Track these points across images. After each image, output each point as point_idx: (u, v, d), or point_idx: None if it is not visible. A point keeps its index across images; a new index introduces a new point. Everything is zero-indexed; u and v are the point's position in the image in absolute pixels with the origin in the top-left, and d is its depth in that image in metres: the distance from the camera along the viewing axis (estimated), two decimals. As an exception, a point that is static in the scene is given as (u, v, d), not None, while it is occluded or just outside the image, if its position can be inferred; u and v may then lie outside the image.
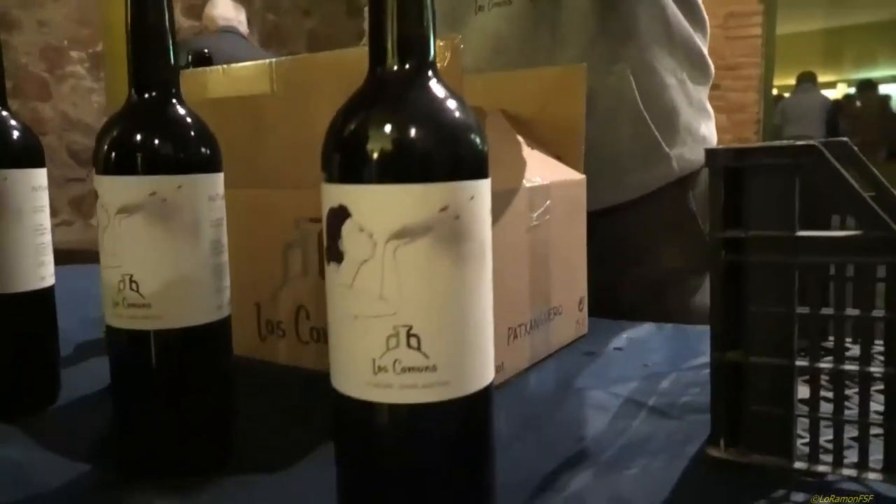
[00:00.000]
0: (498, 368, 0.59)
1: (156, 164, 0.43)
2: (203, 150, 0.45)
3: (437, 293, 0.30)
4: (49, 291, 0.56)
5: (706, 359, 0.65)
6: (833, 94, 5.93)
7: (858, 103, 5.61)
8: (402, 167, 0.30)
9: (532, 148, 0.72)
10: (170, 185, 0.43)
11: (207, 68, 0.69)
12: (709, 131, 0.89)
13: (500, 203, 0.59)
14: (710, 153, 0.44)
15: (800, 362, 0.43)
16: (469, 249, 0.31)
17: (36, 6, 3.10)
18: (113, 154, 0.43)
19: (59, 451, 0.49)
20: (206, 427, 0.46)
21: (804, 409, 0.43)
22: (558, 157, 0.75)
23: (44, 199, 0.55)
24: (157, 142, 0.43)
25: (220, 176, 0.46)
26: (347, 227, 0.30)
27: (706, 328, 0.81)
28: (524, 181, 0.64)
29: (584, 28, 0.81)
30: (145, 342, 0.44)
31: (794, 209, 0.41)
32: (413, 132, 0.30)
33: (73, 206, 3.16)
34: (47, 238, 0.55)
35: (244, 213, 0.70)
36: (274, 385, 0.63)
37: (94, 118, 3.19)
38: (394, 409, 0.31)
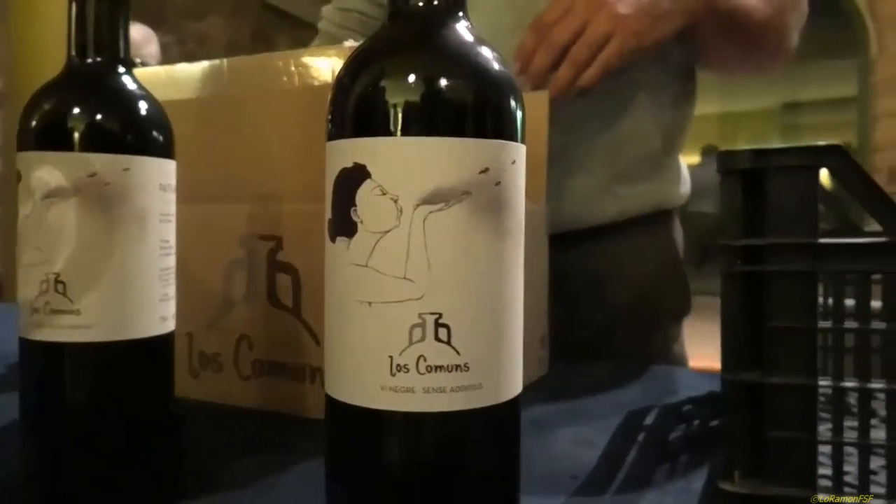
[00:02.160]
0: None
1: (99, 140, 0.36)
2: (156, 130, 0.38)
3: (473, 274, 0.25)
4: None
5: (684, 395, 0.62)
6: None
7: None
8: (439, 116, 0.24)
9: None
10: (115, 165, 0.36)
11: (148, 68, 0.62)
12: (686, 173, 0.86)
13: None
14: (724, 154, 0.40)
15: (823, 382, 0.39)
16: (510, 224, 0.26)
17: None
18: (45, 125, 0.36)
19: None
20: (146, 465, 0.38)
21: (827, 434, 0.40)
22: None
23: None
24: (102, 113, 0.36)
25: (173, 164, 0.40)
26: (365, 191, 0.25)
27: (672, 368, 0.79)
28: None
29: None
30: (72, 358, 0.36)
31: (817, 214, 0.38)
32: (453, 75, 0.25)
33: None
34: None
35: (180, 230, 0.62)
36: (214, 421, 0.55)
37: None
38: (415, 419, 0.25)
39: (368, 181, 0.25)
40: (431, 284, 0.24)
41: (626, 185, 0.78)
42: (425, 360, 0.24)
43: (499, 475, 0.26)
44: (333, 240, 0.26)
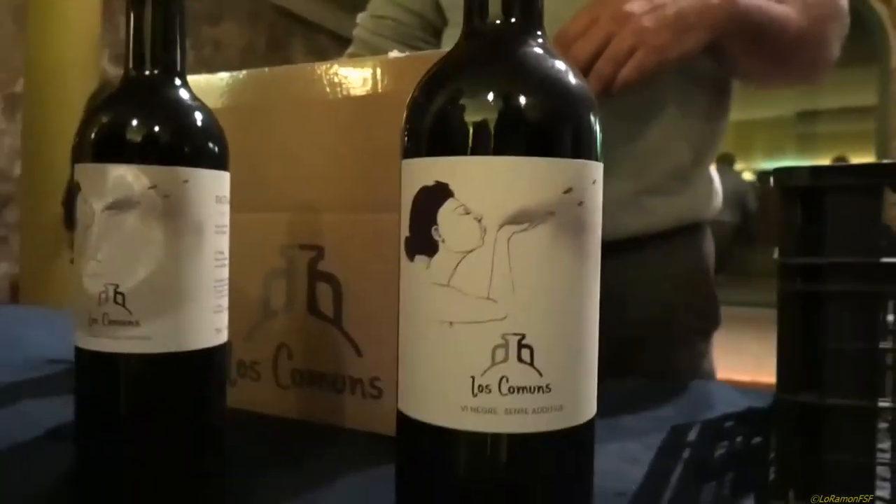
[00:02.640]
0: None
1: (159, 153, 0.36)
2: (212, 142, 0.38)
3: (556, 294, 0.24)
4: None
5: (721, 411, 0.62)
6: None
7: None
8: (525, 136, 0.24)
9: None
10: (175, 178, 0.36)
11: (195, 76, 0.62)
12: (718, 185, 0.84)
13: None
14: (780, 172, 0.40)
15: (883, 403, 0.39)
16: (591, 244, 0.25)
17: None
18: (105, 137, 0.36)
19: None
20: (195, 475, 0.38)
21: (885, 456, 0.39)
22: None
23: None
24: (161, 126, 0.36)
25: (227, 176, 0.40)
26: (447, 210, 0.25)
27: (705, 382, 0.78)
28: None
29: None
30: (130, 369, 0.36)
31: (878, 233, 0.38)
32: (537, 94, 0.24)
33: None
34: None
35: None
36: (254, 433, 0.55)
37: (5, 162, 3.01)
38: (496, 440, 0.25)
39: (451, 200, 0.24)
40: (515, 305, 0.24)
41: (655, 198, 0.77)
42: (508, 380, 0.24)
43: (576, 496, 0.26)
44: (412, 258, 0.26)
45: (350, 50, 0.89)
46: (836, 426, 0.39)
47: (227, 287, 0.40)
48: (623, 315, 0.77)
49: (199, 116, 0.38)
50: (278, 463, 0.47)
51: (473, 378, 0.24)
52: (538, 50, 0.26)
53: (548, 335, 0.24)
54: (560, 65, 0.26)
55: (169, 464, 0.36)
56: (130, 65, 0.37)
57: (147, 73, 0.37)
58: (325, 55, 3.60)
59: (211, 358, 0.38)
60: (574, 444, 0.25)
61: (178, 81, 0.38)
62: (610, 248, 0.76)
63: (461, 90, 0.25)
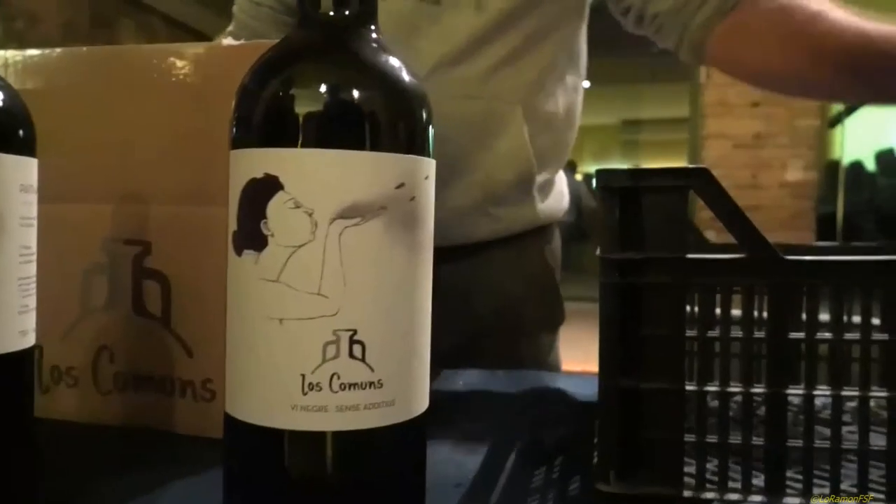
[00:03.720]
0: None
1: (-51, 135, 0.32)
2: (16, 124, 0.34)
3: (388, 288, 0.24)
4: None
5: (557, 399, 0.65)
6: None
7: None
8: (359, 130, 0.24)
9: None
10: (-31, 163, 0.32)
11: (5, 52, 0.56)
12: (564, 188, 0.87)
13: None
14: (602, 173, 0.43)
15: (689, 386, 0.42)
16: (423, 239, 0.26)
17: None
18: None
19: None
20: (7, 491, 0.34)
21: (692, 436, 0.43)
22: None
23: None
24: (-47, 105, 0.32)
25: (35, 163, 0.36)
26: (277, 203, 0.24)
27: (543, 373, 0.82)
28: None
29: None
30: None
31: (685, 231, 0.42)
32: (373, 88, 0.24)
33: None
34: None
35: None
36: (65, 440, 0.50)
37: None
38: (327, 438, 0.24)
39: (281, 193, 0.24)
40: (347, 300, 0.24)
41: (501, 207, 0.79)
42: (339, 377, 0.24)
43: (409, 490, 0.26)
44: (239, 253, 0.25)
45: (230, 28, 0.85)
46: (650, 408, 0.43)
47: (34, 285, 0.36)
48: (468, 308, 0.78)
49: (-1, 96, 0.34)
50: (97, 475, 0.44)
51: (304, 376, 0.24)
52: (369, 43, 0.26)
53: (380, 330, 0.24)
54: (393, 60, 0.26)
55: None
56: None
57: (-65, 44, 0.33)
58: (156, 38, 3.39)
59: (15, 363, 0.34)
60: (407, 438, 0.26)
61: (-27, 56, 0.34)
62: (456, 251, 0.77)
63: (293, 80, 0.24)
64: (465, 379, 0.72)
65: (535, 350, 0.83)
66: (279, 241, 0.24)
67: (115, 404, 0.54)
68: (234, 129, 0.25)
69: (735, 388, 0.43)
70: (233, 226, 0.25)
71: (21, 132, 0.34)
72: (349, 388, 0.24)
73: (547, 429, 0.56)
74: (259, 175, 0.24)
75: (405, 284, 0.25)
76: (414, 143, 0.25)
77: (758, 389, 0.42)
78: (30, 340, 0.36)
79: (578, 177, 6.96)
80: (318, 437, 0.24)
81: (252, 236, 0.24)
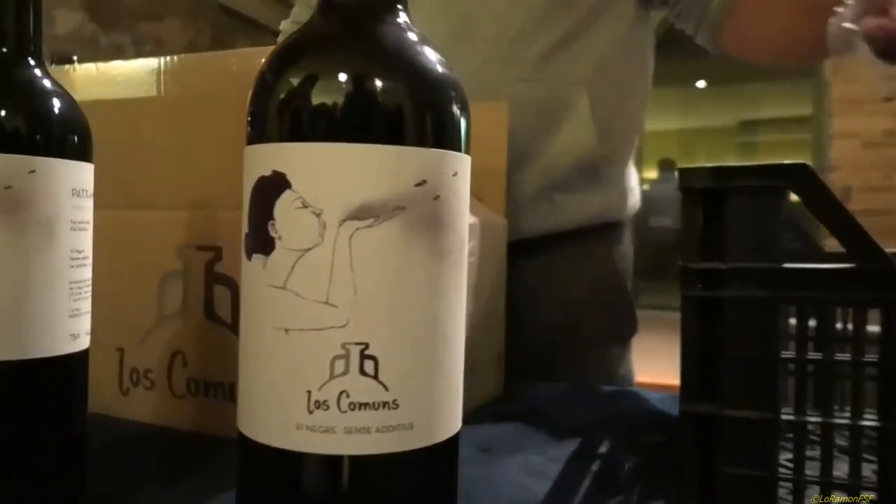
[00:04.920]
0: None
1: (1, 139, 0.32)
2: (70, 130, 0.34)
3: (406, 298, 0.22)
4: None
5: (639, 419, 0.60)
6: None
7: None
8: (371, 122, 0.22)
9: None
10: (18, 167, 0.32)
11: (75, 65, 0.58)
12: (635, 185, 0.84)
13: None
14: (684, 172, 0.38)
15: (785, 416, 0.37)
16: (450, 243, 0.23)
17: None
18: (-60, 121, 0.32)
19: None
20: (52, 491, 0.34)
21: (787, 472, 0.38)
22: (478, 198, 0.69)
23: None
24: (4, 109, 0.32)
25: (90, 168, 0.36)
26: (284, 203, 0.22)
27: (633, 389, 0.77)
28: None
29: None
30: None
31: (780, 238, 0.37)
32: (386, 75, 0.22)
33: None
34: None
35: (109, 238, 0.58)
36: (135, 442, 0.51)
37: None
38: (335, 463, 0.22)
39: (288, 192, 0.22)
40: (357, 311, 0.21)
41: (564, 194, 0.76)
42: (348, 396, 0.21)
43: (431, 525, 0.24)
44: (249, 257, 0.23)
45: (294, 10, 0.87)
46: (734, 438, 0.38)
47: (88, 289, 0.36)
48: (535, 318, 0.75)
49: (52, 101, 0.34)
50: (154, 479, 0.44)
51: (310, 393, 0.22)
52: (394, 29, 0.24)
53: (395, 344, 0.22)
54: (418, 47, 0.24)
55: (17, 482, 0.33)
56: (-24, 43, 0.34)
57: (-5, 51, 0.34)
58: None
59: (65, 366, 0.34)
60: (428, 466, 0.23)
61: (31, 62, 0.34)
62: (522, 248, 0.74)
63: (300, 71, 0.22)
64: (535, 394, 0.68)
65: (603, 361, 0.78)
66: (286, 244, 0.22)
67: (188, 409, 0.54)
68: (248, 124, 0.23)
69: (841, 419, 0.37)
70: (244, 228, 0.23)
71: (73, 138, 0.34)
72: (359, 408, 0.21)
73: (626, 453, 0.52)
74: (267, 172, 0.22)
75: (427, 294, 0.22)
76: (438, 136, 0.23)
77: (869, 422, 0.36)
78: (82, 344, 0.35)
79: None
80: (325, 460, 0.22)
81: (260, 239, 0.22)
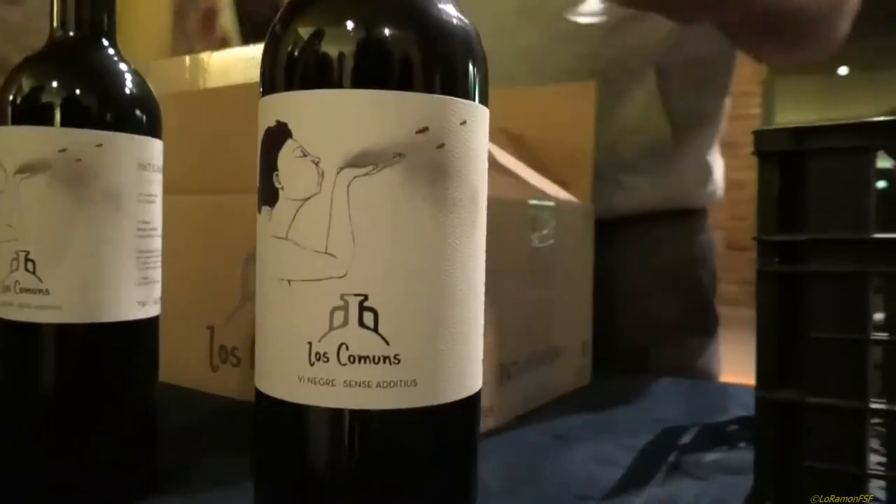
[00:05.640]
0: (486, 412, 0.49)
1: (72, 115, 0.34)
2: (136, 106, 0.36)
3: (407, 249, 0.21)
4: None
5: (733, 415, 0.56)
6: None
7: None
8: (368, 67, 0.21)
9: (535, 171, 0.64)
10: (87, 141, 0.34)
11: (177, 57, 0.61)
12: (716, 173, 0.79)
13: (496, 215, 0.50)
14: (760, 134, 0.35)
15: (875, 404, 0.33)
16: (458, 194, 0.22)
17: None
18: (19, 98, 0.34)
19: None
20: (120, 452, 0.36)
21: (879, 467, 0.33)
22: (563, 184, 0.67)
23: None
24: (77, 87, 0.34)
25: (158, 144, 0.38)
26: (286, 153, 0.22)
27: (725, 384, 0.72)
28: (527, 197, 0.56)
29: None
30: (40, 339, 0.34)
31: (869, 205, 0.33)
32: (386, 19, 0.21)
33: None
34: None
35: (198, 221, 0.61)
36: (220, 416, 0.53)
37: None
38: (335, 416, 0.21)
39: (290, 141, 0.21)
40: (356, 261, 0.21)
41: (633, 175, 0.72)
42: (347, 348, 0.21)
43: (438, 489, 0.23)
44: (259, 209, 0.23)
45: None
46: (819, 429, 0.34)
47: (157, 259, 0.38)
48: (603, 304, 0.71)
49: (122, 80, 0.36)
50: (225, 449, 0.45)
51: (311, 344, 0.21)
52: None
53: (395, 297, 0.21)
54: (428, -9, 0.23)
55: (86, 443, 0.35)
56: (54, 24, 0.36)
57: (71, 33, 0.36)
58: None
59: (132, 331, 0.36)
60: (434, 427, 0.22)
61: (104, 42, 0.37)
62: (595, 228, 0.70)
63: (303, 19, 0.22)
64: (637, 384, 0.65)
65: (678, 354, 0.73)
66: (288, 194, 0.22)
67: (268, 385, 0.56)
68: (261, 77, 0.23)
69: (943, 411, 0.33)
70: (257, 181, 0.23)
71: (141, 115, 0.36)
72: (359, 361, 0.21)
73: (710, 446, 0.48)
74: (272, 123, 0.22)
75: (430, 246, 0.21)
76: (444, 82, 0.22)
77: (974, 414, 0.32)
78: (150, 311, 0.37)
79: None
80: (326, 413, 0.21)
81: (267, 190, 0.22)
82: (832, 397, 0.33)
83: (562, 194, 0.65)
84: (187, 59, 0.61)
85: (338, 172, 0.21)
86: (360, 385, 0.21)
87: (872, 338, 0.33)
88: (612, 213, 0.72)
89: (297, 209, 0.21)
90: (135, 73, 0.37)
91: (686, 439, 0.49)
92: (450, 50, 0.22)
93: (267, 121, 0.22)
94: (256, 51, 0.58)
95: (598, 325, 0.67)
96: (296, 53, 0.22)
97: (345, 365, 0.21)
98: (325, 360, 0.21)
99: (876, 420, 0.33)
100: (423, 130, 0.21)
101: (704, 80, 0.75)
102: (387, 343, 0.21)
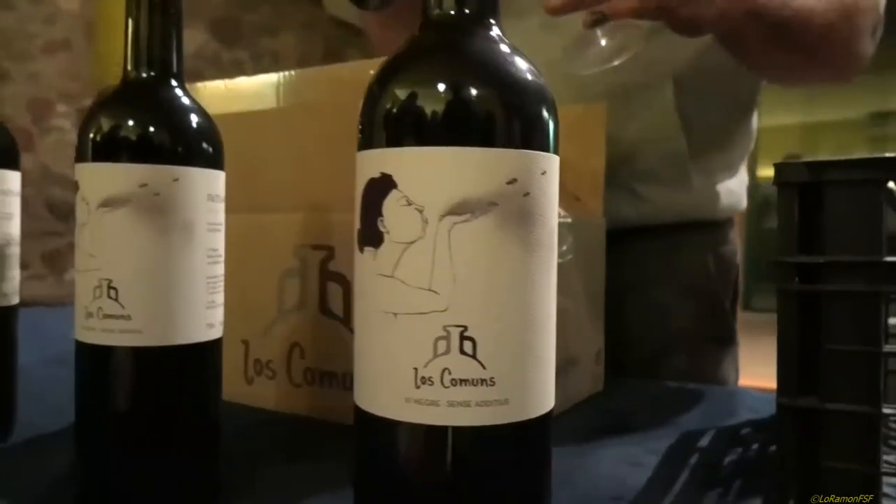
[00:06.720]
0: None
1: (150, 152, 0.37)
2: (205, 142, 0.39)
3: (500, 285, 0.24)
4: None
5: (744, 418, 0.60)
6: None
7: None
8: (466, 127, 0.24)
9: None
10: (165, 176, 0.37)
11: (209, 83, 0.64)
12: (739, 191, 0.81)
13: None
14: (779, 167, 0.39)
15: (888, 409, 0.37)
16: (540, 236, 0.25)
17: (28, 59, 3.08)
18: (99, 137, 0.37)
19: (8, 496, 0.41)
20: (190, 465, 0.39)
21: (891, 466, 0.37)
22: (577, 199, 0.70)
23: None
24: (153, 126, 0.37)
25: (222, 175, 0.41)
26: (391, 201, 0.25)
27: (733, 388, 0.76)
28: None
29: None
30: (122, 361, 0.37)
31: (880, 230, 0.36)
32: (478, 83, 0.24)
33: (47, 260, 3.06)
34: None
35: (235, 239, 0.64)
36: (261, 428, 0.56)
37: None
38: (439, 433, 0.25)
39: (395, 191, 0.25)
40: (456, 297, 0.24)
41: (648, 186, 0.74)
42: (450, 372, 0.24)
43: (525, 494, 0.26)
44: (361, 250, 0.26)
45: None
46: (837, 433, 0.38)
47: (221, 284, 0.41)
48: (621, 312, 0.74)
49: (191, 117, 0.39)
50: (275, 460, 0.48)
51: (416, 369, 0.24)
52: (487, 40, 0.26)
53: (490, 327, 0.24)
54: (508, 55, 0.26)
55: (160, 457, 0.38)
56: (128, 66, 0.39)
57: (144, 74, 0.39)
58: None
59: (202, 352, 0.39)
60: (522, 438, 0.25)
61: (173, 83, 0.39)
62: (610, 238, 0.73)
63: (403, 82, 0.25)
64: (650, 389, 0.68)
65: (696, 363, 0.76)
66: (393, 237, 0.25)
67: (305, 397, 0.59)
68: (360, 133, 0.26)
69: (948, 415, 0.37)
70: (357, 224, 0.26)
71: (208, 147, 0.39)
72: (460, 384, 0.24)
73: (727, 448, 0.52)
74: (376, 175, 0.25)
75: (519, 282, 0.25)
76: (529, 139, 0.25)
77: (977, 418, 0.36)
78: (216, 333, 0.40)
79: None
80: (431, 430, 0.24)
81: (371, 233, 0.25)
82: (849, 403, 0.37)
83: (576, 209, 0.68)
84: (223, 83, 0.63)
85: (440, 219, 0.24)
86: (460, 405, 0.24)
87: (885, 350, 0.36)
88: (626, 223, 0.74)
89: (403, 251, 0.24)
90: (200, 109, 0.40)
91: (704, 442, 0.53)
92: (533, 110, 0.25)
93: (370, 172, 0.25)
94: (288, 77, 0.60)
95: (613, 332, 0.70)
96: (400, 114, 0.25)
97: (447, 387, 0.24)
98: (430, 383, 0.24)
99: (890, 423, 0.37)
100: (513, 182, 0.24)
101: (724, 95, 0.76)
102: (484, 367, 0.24)
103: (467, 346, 0.24)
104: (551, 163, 0.26)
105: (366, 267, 0.26)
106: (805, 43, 0.61)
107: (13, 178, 0.49)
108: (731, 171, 0.79)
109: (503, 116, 0.24)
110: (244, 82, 0.62)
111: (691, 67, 0.73)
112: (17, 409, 0.51)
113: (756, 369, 0.91)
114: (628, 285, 0.75)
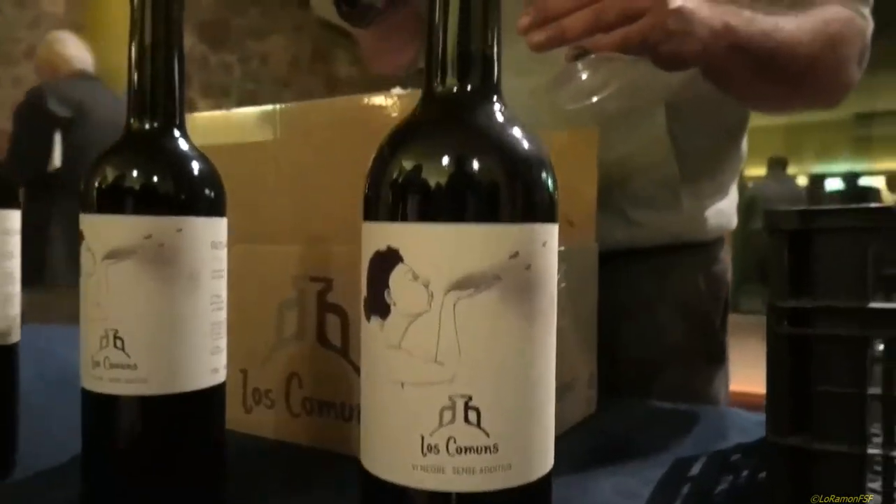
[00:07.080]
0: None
1: (154, 203, 0.38)
2: (208, 190, 0.40)
3: (502, 357, 0.25)
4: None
5: (733, 441, 0.61)
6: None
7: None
8: (468, 202, 0.25)
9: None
10: (169, 227, 0.38)
11: (206, 113, 0.65)
12: (730, 210, 0.82)
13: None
14: (770, 215, 0.40)
15: (872, 450, 0.38)
16: (540, 306, 0.26)
17: (12, 63, 3.06)
18: (104, 189, 0.38)
19: (9, 537, 0.41)
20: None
21: None
22: (570, 223, 0.71)
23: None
24: (156, 177, 0.38)
25: (224, 222, 0.41)
26: (398, 275, 0.26)
27: (723, 409, 0.77)
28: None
29: None
30: (128, 410, 0.38)
31: (867, 277, 0.37)
32: (482, 161, 0.25)
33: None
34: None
35: (234, 268, 0.64)
36: (258, 456, 0.56)
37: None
38: (445, 498, 0.25)
39: (401, 265, 0.25)
40: (461, 368, 0.25)
41: (641, 210, 0.75)
42: (455, 441, 0.25)
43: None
44: (368, 319, 0.27)
45: None
46: (826, 471, 0.39)
47: (224, 328, 0.41)
48: (611, 330, 0.75)
49: (194, 166, 0.39)
50: (276, 489, 0.49)
51: (423, 437, 0.25)
52: (490, 116, 0.27)
53: (494, 397, 0.25)
54: (511, 129, 0.27)
55: (166, 499, 0.38)
56: (131, 117, 0.39)
57: (147, 126, 0.39)
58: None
59: (207, 398, 0.40)
60: (525, 501, 0.26)
61: (176, 133, 0.40)
62: (603, 260, 0.74)
63: (408, 157, 0.26)
64: (642, 412, 0.69)
65: (688, 381, 0.77)
66: (400, 310, 0.25)
67: (303, 426, 0.59)
68: (365, 202, 0.27)
69: (932, 456, 0.38)
70: (363, 293, 0.27)
71: (210, 194, 0.40)
72: (465, 452, 0.25)
73: (718, 476, 0.53)
74: (383, 248, 0.26)
75: (520, 352, 0.25)
76: (531, 212, 0.26)
77: (960, 460, 0.37)
78: (220, 377, 0.41)
79: (802, 180, 6.34)
80: (436, 496, 0.25)
81: (378, 304, 0.26)
82: (836, 443, 0.38)
83: (569, 234, 0.69)
84: (219, 113, 0.64)
85: (445, 294, 0.25)
86: (465, 472, 0.25)
87: (870, 393, 0.38)
88: (618, 245, 0.74)
89: (410, 323, 0.25)
90: (202, 157, 0.40)
91: (695, 470, 0.54)
92: (535, 183, 0.26)
93: (376, 244, 0.26)
94: (287, 108, 0.61)
95: (606, 353, 0.70)
96: (406, 190, 0.26)
97: (453, 455, 0.25)
98: (436, 451, 0.25)
99: (876, 458, 0.38)
100: (515, 255, 0.25)
101: (715, 120, 0.76)
102: (487, 435, 0.25)
103: (472, 415, 0.25)
104: (552, 232, 0.27)
105: (374, 337, 0.27)
106: (790, 74, 0.62)
107: (13, 217, 0.49)
108: (721, 193, 0.80)
109: (505, 192, 0.25)
110: (242, 112, 0.63)
111: (682, 93, 0.74)
112: (20, 443, 0.52)
113: (745, 371, 0.92)
114: (622, 306, 0.76)
